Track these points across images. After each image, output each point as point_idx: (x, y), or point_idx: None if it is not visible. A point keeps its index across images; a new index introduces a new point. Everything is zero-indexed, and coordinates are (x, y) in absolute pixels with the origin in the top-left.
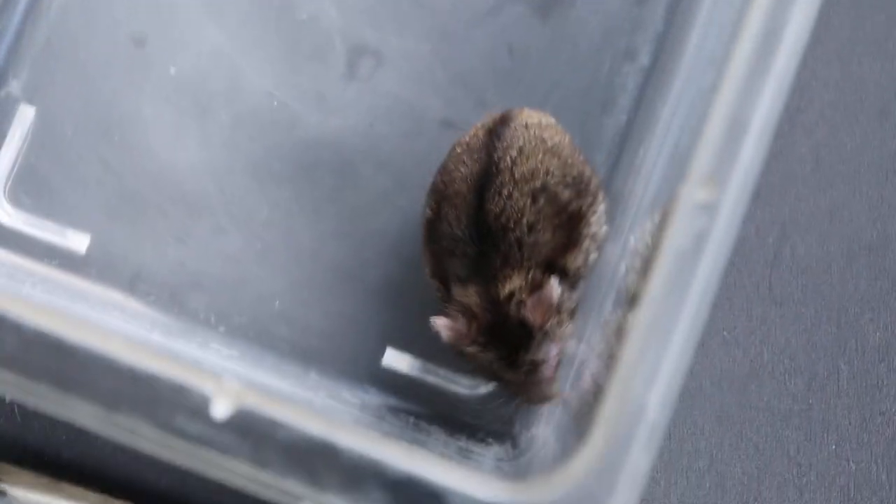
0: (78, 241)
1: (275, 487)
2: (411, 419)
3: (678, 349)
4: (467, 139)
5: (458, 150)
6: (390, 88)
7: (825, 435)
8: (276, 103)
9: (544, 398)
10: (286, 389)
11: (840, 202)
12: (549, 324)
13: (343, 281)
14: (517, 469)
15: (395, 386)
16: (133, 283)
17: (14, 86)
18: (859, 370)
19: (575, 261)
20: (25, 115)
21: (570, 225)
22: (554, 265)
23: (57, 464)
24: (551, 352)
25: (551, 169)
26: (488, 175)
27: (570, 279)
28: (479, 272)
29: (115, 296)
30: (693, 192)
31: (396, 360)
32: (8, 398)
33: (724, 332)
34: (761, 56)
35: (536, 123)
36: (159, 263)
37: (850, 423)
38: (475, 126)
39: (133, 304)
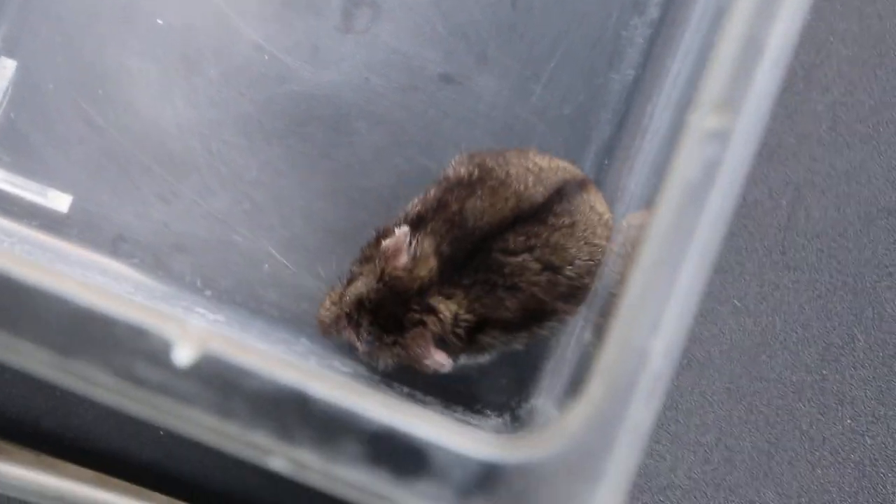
0: (59, 201)
1: (241, 441)
2: (405, 389)
3: (685, 290)
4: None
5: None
6: (387, 41)
7: (840, 408)
8: (267, 57)
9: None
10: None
11: (857, 163)
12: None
13: (336, 242)
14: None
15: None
16: (116, 245)
17: None
18: (876, 340)
19: (501, 335)
20: (5, 69)
21: (536, 311)
22: (486, 324)
23: (35, 434)
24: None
25: (576, 262)
26: (521, 217)
27: (484, 342)
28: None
29: (97, 258)
30: (704, 119)
31: None
32: None
33: (735, 300)
34: None
35: (600, 213)
36: (143, 224)
37: (865, 396)
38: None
39: (115, 266)
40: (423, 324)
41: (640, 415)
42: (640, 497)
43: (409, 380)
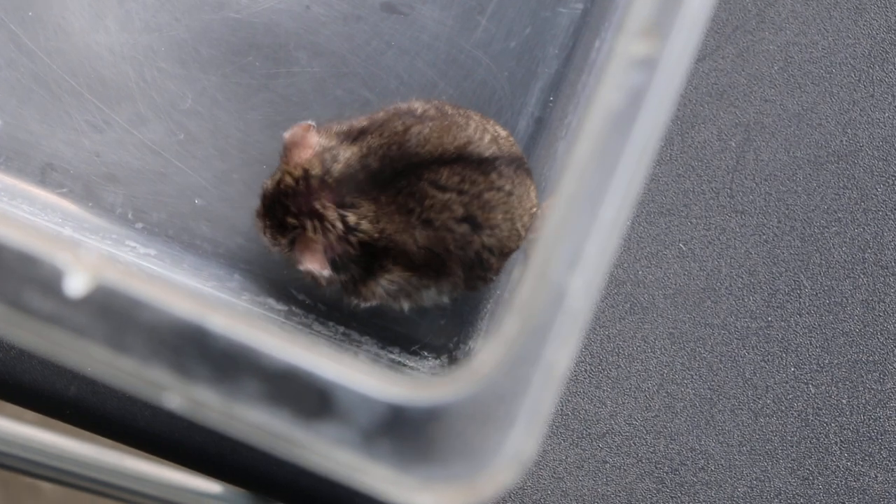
0: None
1: (136, 376)
2: (341, 329)
3: (606, 225)
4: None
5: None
6: None
7: (784, 356)
8: None
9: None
10: (207, 293)
11: (809, 105)
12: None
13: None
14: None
15: (322, 292)
16: (45, 174)
17: None
18: (823, 287)
19: (401, 274)
20: None
21: (438, 263)
22: (387, 253)
23: None
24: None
25: (496, 231)
26: (463, 158)
27: (383, 281)
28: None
29: (25, 186)
30: (629, 45)
31: None
32: None
33: (680, 244)
34: None
35: (532, 201)
36: (73, 153)
37: (810, 344)
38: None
39: (44, 195)
40: (302, 228)
41: (556, 355)
42: (578, 443)
43: (345, 320)
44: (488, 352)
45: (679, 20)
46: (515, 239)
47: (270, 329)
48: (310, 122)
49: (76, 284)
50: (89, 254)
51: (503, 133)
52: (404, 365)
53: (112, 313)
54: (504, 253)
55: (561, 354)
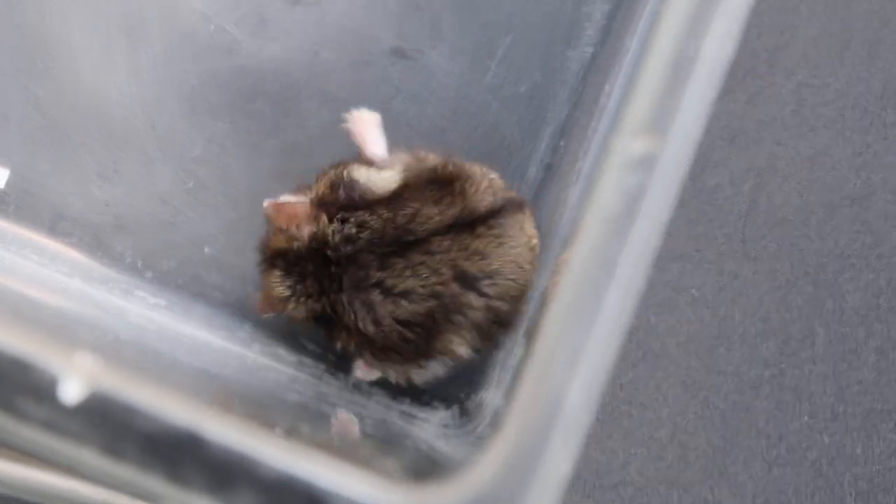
0: None
1: (132, 484)
2: (351, 379)
3: (605, 332)
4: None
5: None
6: (338, 14)
7: (797, 405)
8: (213, 28)
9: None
10: (217, 343)
11: (821, 148)
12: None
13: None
14: (463, 436)
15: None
16: (54, 223)
17: None
18: (836, 334)
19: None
20: None
21: (425, 337)
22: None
23: None
24: None
25: (497, 277)
26: (457, 224)
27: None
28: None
29: (34, 236)
30: (627, 144)
31: None
32: None
33: (693, 290)
34: None
35: (529, 236)
36: (83, 202)
37: (824, 393)
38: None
39: (53, 245)
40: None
41: (555, 466)
42: (591, 494)
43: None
44: (486, 461)
45: (679, 118)
46: (522, 277)
47: (267, 437)
48: (305, 200)
49: (71, 391)
50: (84, 359)
51: (495, 176)
52: (415, 416)
53: (107, 420)
54: (513, 295)
55: (560, 462)
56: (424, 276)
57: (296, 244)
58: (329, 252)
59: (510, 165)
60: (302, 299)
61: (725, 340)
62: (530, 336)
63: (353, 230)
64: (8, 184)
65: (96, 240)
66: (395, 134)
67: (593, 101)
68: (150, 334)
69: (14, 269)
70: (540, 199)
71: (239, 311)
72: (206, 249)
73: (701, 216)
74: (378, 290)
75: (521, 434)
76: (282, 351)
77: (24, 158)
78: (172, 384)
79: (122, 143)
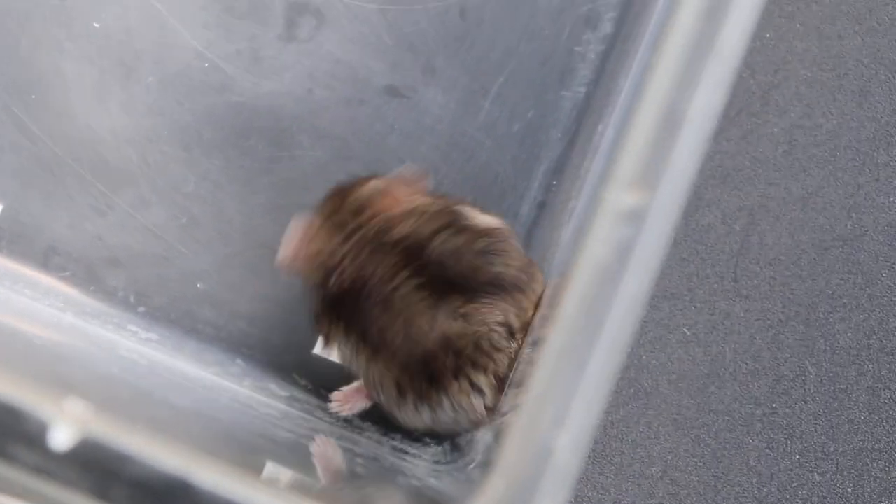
0: None
1: None
2: (342, 415)
3: (594, 382)
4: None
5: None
6: (332, 51)
7: (789, 443)
8: (207, 64)
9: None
10: (208, 379)
11: (813, 189)
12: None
13: (274, 261)
14: (453, 472)
15: (326, 377)
16: (47, 258)
17: None
18: (827, 373)
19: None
20: None
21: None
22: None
23: None
24: None
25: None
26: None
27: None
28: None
29: (27, 271)
30: (618, 197)
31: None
32: None
33: (685, 328)
34: (701, 34)
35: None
36: (76, 237)
37: (815, 431)
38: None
39: (46, 280)
40: None
41: None
42: None
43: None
44: None
45: (668, 171)
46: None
47: (257, 485)
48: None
49: (61, 438)
50: (75, 405)
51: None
52: (406, 452)
53: (98, 467)
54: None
55: None
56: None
57: (387, 224)
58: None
59: (503, 203)
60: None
61: (717, 379)
62: (522, 379)
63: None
64: (1, 217)
65: (89, 274)
66: (389, 171)
67: (586, 141)
68: (142, 369)
69: (7, 303)
70: (532, 237)
71: (231, 346)
72: (199, 285)
73: (693, 255)
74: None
75: (511, 482)
76: (273, 386)
77: (17, 191)
78: (163, 428)
79: (116, 178)
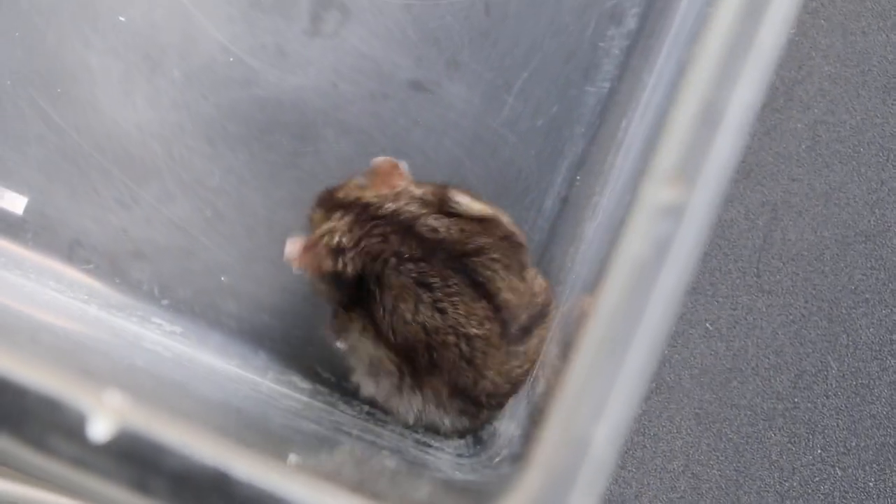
0: (14, 203)
1: None
2: (365, 408)
3: (632, 375)
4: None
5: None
6: (356, 45)
7: (811, 438)
8: (232, 59)
9: None
10: (232, 371)
11: (837, 184)
12: None
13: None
14: (477, 466)
15: (348, 371)
16: (72, 250)
17: None
18: (850, 368)
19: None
20: None
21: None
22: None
23: None
24: None
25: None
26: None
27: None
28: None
29: (52, 263)
30: (656, 192)
31: None
32: None
33: (707, 323)
34: (741, 29)
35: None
36: (101, 230)
37: (837, 426)
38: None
39: (71, 272)
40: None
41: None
42: None
43: (369, 400)
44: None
45: (707, 165)
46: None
47: (294, 476)
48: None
49: (100, 429)
50: (113, 397)
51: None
52: (429, 445)
53: (135, 458)
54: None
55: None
56: (458, 307)
57: (377, 200)
58: (413, 225)
59: (526, 198)
60: (354, 256)
61: (739, 373)
62: (554, 375)
63: (442, 225)
64: (26, 210)
65: (114, 267)
66: (413, 165)
67: (610, 136)
68: (166, 361)
69: (32, 295)
70: (556, 231)
71: (254, 338)
72: (223, 278)
73: (716, 250)
74: (428, 292)
75: (548, 473)
76: (296, 379)
77: (43, 184)
78: (198, 420)
79: (141, 171)
